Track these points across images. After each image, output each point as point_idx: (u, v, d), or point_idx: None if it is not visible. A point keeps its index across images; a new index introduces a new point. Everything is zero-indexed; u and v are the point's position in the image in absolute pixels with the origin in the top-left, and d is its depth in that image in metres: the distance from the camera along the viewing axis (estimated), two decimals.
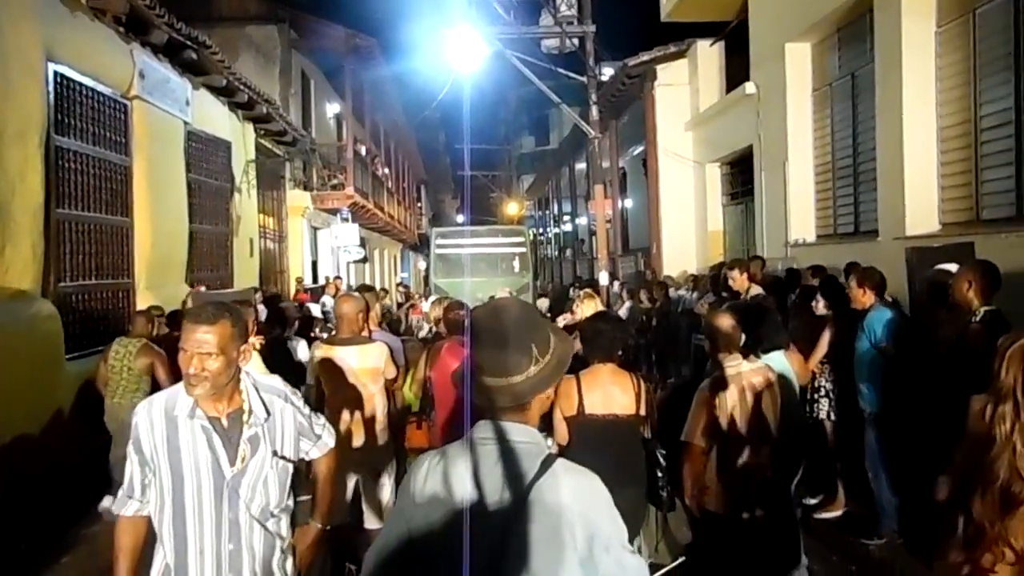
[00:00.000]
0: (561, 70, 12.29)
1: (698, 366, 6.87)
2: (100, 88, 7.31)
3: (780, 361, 3.75)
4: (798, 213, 9.47)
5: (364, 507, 4.15)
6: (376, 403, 4.13)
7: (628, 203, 17.07)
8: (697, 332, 7.58)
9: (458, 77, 12.28)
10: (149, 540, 2.22)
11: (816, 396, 5.12)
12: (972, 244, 5.31)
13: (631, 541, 1.77)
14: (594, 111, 11.91)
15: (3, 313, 5.47)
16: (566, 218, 26.07)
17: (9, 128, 5.77)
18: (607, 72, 14.76)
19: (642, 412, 3.34)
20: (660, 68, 13.36)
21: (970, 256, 4.89)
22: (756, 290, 6.14)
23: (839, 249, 8.12)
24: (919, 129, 6.98)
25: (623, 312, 10.29)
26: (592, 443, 3.14)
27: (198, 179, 9.71)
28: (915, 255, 5.58)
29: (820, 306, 5.16)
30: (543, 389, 1.58)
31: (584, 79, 11.84)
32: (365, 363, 4.11)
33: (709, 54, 12.88)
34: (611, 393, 3.32)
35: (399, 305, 16.81)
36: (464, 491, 1.49)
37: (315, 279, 15.91)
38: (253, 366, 2.60)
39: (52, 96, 6.46)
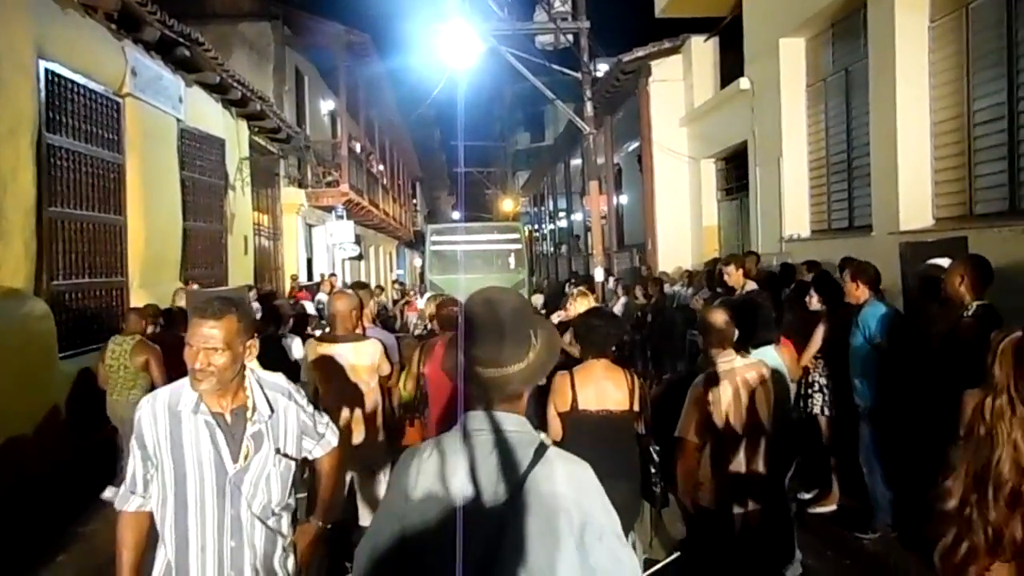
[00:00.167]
0: (556, 66, 12.28)
1: (693, 362, 6.88)
2: (92, 85, 7.27)
3: (772, 356, 3.75)
4: (792, 208, 9.48)
5: (359, 504, 4.15)
6: (371, 400, 4.13)
7: (623, 199, 17.06)
8: (692, 328, 7.60)
9: (453, 73, 12.27)
10: (151, 539, 2.21)
11: (810, 391, 5.13)
12: (965, 239, 5.32)
13: (625, 536, 1.76)
14: (589, 107, 11.91)
15: None
16: (561, 214, 26.06)
17: (0, 126, 5.74)
18: (602, 68, 14.74)
19: (635, 408, 3.34)
20: (655, 64, 13.34)
21: (963, 251, 4.91)
22: (751, 286, 6.14)
23: (833, 244, 8.14)
24: (912, 124, 6.99)
25: (618, 308, 10.30)
26: (586, 439, 3.15)
27: (192, 176, 9.68)
28: (909, 250, 5.59)
29: (814, 301, 5.16)
30: (538, 378, 1.59)
31: (579, 75, 11.83)
32: (360, 360, 4.10)
33: (703, 50, 12.87)
34: (605, 389, 3.33)
35: (395, 302, 16.79)
36: (460, 484, 1.48)
37: (310, 277, 15.88)
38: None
39: (43, 94, 6.42)
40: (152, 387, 4.91)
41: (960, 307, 3.76)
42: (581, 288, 5.79)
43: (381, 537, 1.56)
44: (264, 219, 13.68)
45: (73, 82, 6.94)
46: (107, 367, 5.54)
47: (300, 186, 15.42)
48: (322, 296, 12.09)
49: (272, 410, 2.22)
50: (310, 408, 2.38)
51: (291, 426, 2.27)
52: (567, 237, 24.95)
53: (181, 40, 8.51)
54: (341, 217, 17.11)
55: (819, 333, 4.97)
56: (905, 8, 6.97)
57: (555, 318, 6.34)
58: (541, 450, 1.50)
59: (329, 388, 4.06)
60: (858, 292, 4.72)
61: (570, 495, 1.45)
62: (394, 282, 25.55)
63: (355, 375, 4.06)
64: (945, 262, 4.37)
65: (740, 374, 3.20)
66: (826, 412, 5.07)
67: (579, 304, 4.67)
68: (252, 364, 2.24)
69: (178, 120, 9.16)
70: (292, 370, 4.74)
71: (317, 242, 17.06)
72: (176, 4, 8.80)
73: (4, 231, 5.73)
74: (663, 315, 9.65)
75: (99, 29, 7.33)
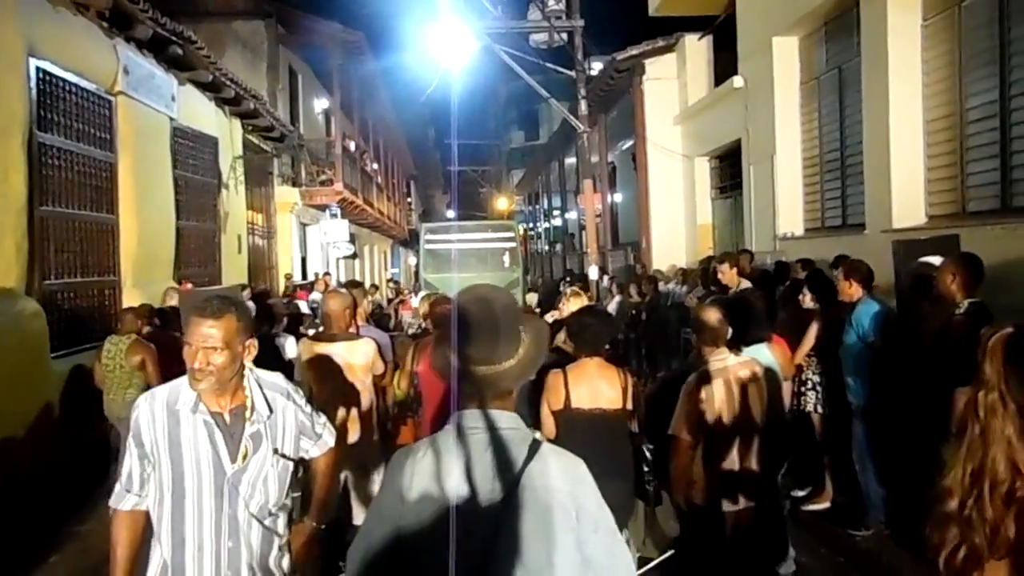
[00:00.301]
0: (550, 65, 12.28)
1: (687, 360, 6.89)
2: (84, 84, 7.23)
3: (764, 354, 3.76)
4: (786, 206, 9.50)
5: (353, 503, 4.15)
6: (365, 399, 4.12)
7: (618, 197, 17.08)
8: (686, 326, 7.60)
9: (447, 72, 12.24)
10: (146, 538, 2.20)
11: (804, 389, 5.14)
12: (957, 236, 5.35)
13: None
14: (583, 106, 11.92)
15: None
16: (556, 213, 26.08)
17: None
18: (596, 67, 14.76)
19: (629, 406, 3.35)
20: (648, 62, 13.36)
21: (955, 249, 4.92)
22: (745, 284, 6.16)
23: (827, 242, 8.16)
24: (905, 122, 7.02)
25: (613, 306, 10.30)
26: (579, 437, 3.14)
27: (185, 175, 9.63)
28: (902, 248, 5.61)
29: (807, 299, 5.17)
30: (529, 374, 1.60)
31: (573, 74, 11.83)
32: (353, 359, 4.09)
33: (697, 48, 12.89)
34: (598, 387, 3.33)
35: (389, 301, 16.76)
36: (456, 484, 1.48)
37: (304, 275, 15.83)
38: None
39: (35, 92, 6.38)
40: (148, 386, 4.90)
41: (952, 305, 3.77)
42: (574, 288, 5.79)
43: (374, 537, 1.55)
44: (258, 218, 13.63)
45: (65, 80, 6.90)
46: (103, 367, 5.55)
47: (294, 185, 15.37)
48: (316, 295, 12.06)
49: (271, 410, 2.21)
50: (308, 408, 2.37)
51: (289, 426, 2.26)
52: (561, 235, 24.97)
53: (174, 38, 8.47)
54: (335, 216, 17.07)
55: (812, 331, 4.97)
56: (898, 7, 6.99)
57: (549, 317, 6.35)
58: (535, 447, 1.50)
59: (323, 387, 4.04)
60: (851, 290, 4.73)
61: (565, 488, 1.46)
62: (389, 281, 25.52)
63: (349, 374, 4.06)
64: (937, 260, 4.39)
65: (733, 372, 3.21)
66: (819, 410, 5.08)
67: (572, 303, 4.67)
68: (248, 364, 2.24)
69: (171, 119, 9.11)
70: (286, 370, 4.72)
71: (311, 241, 17.01)
72: (169, 2, 8.77)
73: None
74: (657, 313, 9.66)
75: (91, 27, 7.29)
